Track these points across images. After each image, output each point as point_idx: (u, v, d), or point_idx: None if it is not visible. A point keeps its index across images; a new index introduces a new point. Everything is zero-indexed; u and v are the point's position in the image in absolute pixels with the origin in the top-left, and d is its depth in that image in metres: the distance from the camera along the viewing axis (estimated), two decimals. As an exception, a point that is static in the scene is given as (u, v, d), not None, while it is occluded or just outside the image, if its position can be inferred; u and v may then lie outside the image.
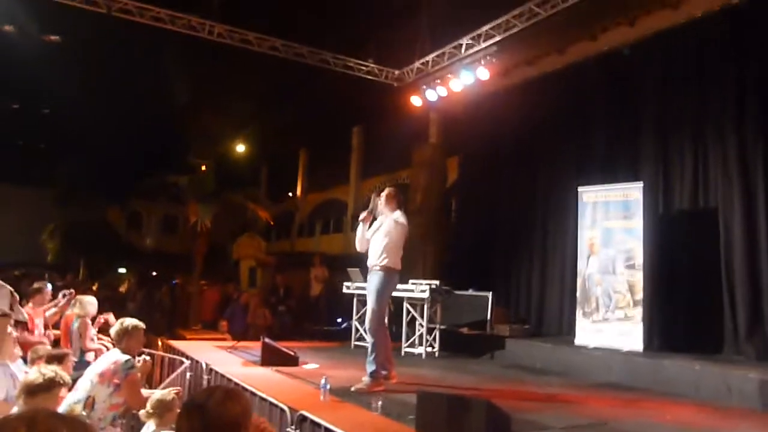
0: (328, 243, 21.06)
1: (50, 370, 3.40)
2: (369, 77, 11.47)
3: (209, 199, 13.23)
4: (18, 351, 4.92)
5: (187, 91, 13.87)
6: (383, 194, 6.02)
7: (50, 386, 3.29)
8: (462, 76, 9.96)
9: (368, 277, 5.95)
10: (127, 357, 4.23)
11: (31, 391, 3.25)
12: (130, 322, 4.49)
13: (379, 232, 5.90)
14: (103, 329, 6.94)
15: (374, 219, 6.02)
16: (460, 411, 3.93)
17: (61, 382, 3.38)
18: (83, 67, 14.00)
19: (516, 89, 10.10)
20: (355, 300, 8.77)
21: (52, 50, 13.10)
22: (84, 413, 3.69)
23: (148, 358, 4.74)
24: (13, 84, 14.47)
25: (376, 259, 5.82)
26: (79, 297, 7.07)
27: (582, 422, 4.60)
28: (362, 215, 6.05)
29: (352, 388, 5.37)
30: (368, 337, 5.80)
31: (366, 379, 5.53)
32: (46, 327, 6.56)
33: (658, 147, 7.99)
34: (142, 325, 4.56)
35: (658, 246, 7.61)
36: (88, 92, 15.56)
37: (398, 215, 5.84)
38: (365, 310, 8.64)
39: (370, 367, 5.58)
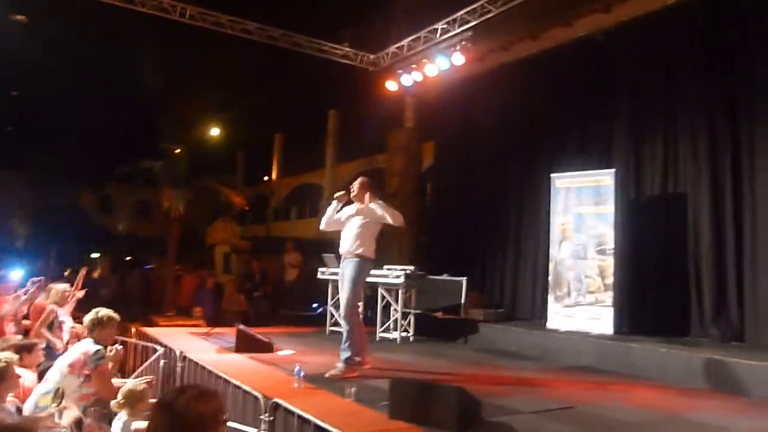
0: (304, 227, 20.99)
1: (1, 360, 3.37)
2: (344, 61, 11.39)
3: (183, 184, 13.07)
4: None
5: (160, 74, 13.63)
6: (356, 182, 6.04)
7: (2, 377, 3.26)
8: (437, 61, 9.95)
9: (341, 265, 5.97)
10: (98, 348, 4.20)
11: None
12: (105, 312, 4.44)
13: (354, 220, 5.92)
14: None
15: (347, 204, 6.03)
16: (432, 397, 3.98)
17: (11, 371, 3.34)
18: (52, 49, 13.67)
19: (491, 75, 10.12)
20: (330, 285, 8.78)
21: (18, 30, 12.77)
22: (54, 405, 3.65)
23: (120, 347, 4.71)
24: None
25: (350, 247, 5.83)
26: (51, 285, 7.01)
27: (551, 406, 4.69)
28: (338, 193, 6.06)
29: (327, 375, 5.40)
30: (343, 324, 5.83)
31: (340, 365, 5.57)
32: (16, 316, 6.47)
33: (630, 134, 8.09)
34: (117, 316, 4.52)
35: (629, 232, 7.74)
36: (58, 74, 15.23)
37: (375, 205, 5.85)
38: (340, 296, 8.72)
39: (345, 354, 5.62)
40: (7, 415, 2.93)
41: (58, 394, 3.77)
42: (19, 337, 5.83)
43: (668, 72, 7.76)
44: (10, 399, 3.51)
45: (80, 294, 7.04)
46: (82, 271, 7.33)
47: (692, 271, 7.21)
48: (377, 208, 5.85)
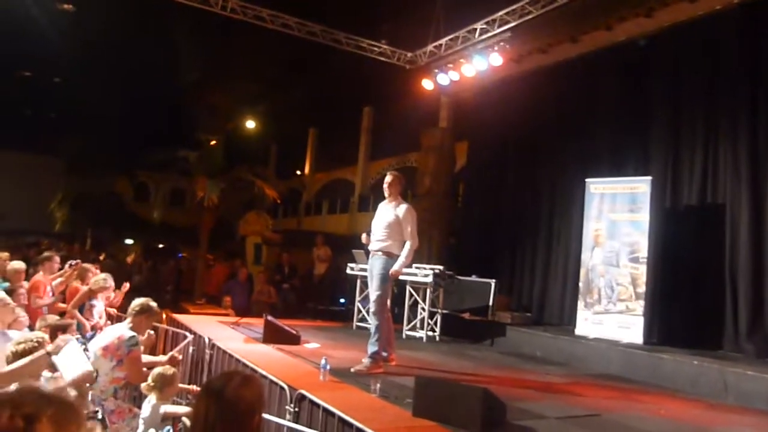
0: (335, 223, 21.12)
1: (32, 337, 3.45)
2: (381, 59, 11.42)
3: (217, 174, 13.26)
4: (24, 319, 5.01)
5: (200, 66, 13.85)
6: (389, 176, 6.04)
7: (33, 351, 3.34)
8: (475, 61, 9.89)
9: (370, 261, 5.99)
10: (132, 334, 4.29)
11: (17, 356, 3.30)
12: (153, 304, 4.52)
13: (384, 216, 5.93)
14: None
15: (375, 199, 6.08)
16: (456, 397, 3.98)
17: (42, 347, 3.42)
18: (96, 38, 13.99)
19: (528, 76, 10.03)
20: (358, 281, 8.82)
21: (65, 19, 13.10)
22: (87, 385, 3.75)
23: (152, 332, 4.82)
24: (24, 52, 14.47)
25: (379, 244, 5.86)
26: (84, 266, 7.21)
27: (576, 412, 4.65)
28: (364, 238, 6.07)
29: (352, 369, 5.43)
30: (371, 320, 5.86)
31: (366, 360, 5.59)
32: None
33: (668, 141, 7.94)
34: (159, 311, 4.62)
35: (663, 240, 7.60)
36: (101, 63, 15.58)
37: (404, 213, 5.85)
38: (368, 292, 8.75)
39: (372, 349, 5.64)
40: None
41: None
42: (56, 317, 6.00)
43: (710, 78, 7.59)
44: (47, 375, 3.60)
45: (124, 286, 7.22)
46: (125, 286, 7.35)
47: (728, 284, 7.03)
48: (406, 221, 5.82)
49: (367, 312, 8.79)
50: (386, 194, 6.01)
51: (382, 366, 5.64)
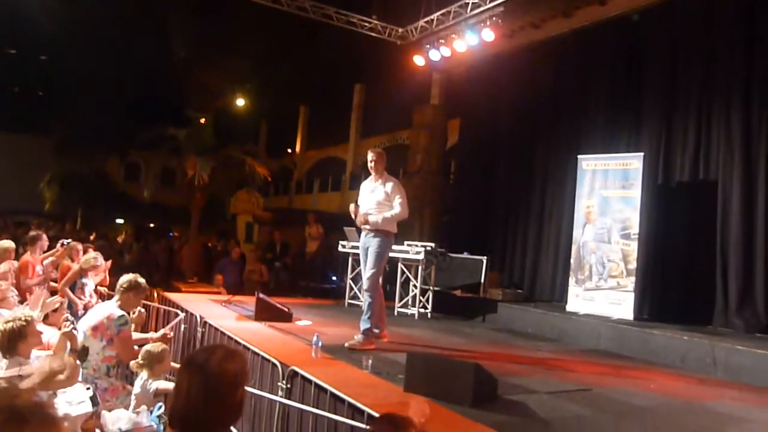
0: (326, 201, 21.08)
1: (20, 316, 3.44)
2: (372, 34, 11.28)
3: (208, 152, 13.15)
4: (14, 298, 4.98)
5: (188, 43, 13.65)
6: (372, 153, 6.01)
7: (23, 334, 3.34)
8: (466, 37, 9.79)
9: (363, 239, 5.97)
10: (122, 313, 4.25)
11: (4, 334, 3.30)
12: (140, 280, 4.47)
13: (374, 195, 5.90)
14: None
15: (365, 177, 6.04)
16: (448, 372, 3.99)
17: (32, 328, 3.41)
18: (84, 15, 13.75)
19: (520, 52, 9.95)
20: (350, 259, 8.81)
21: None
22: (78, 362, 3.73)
23: (143, 310, 4.79)
24: (10, 29, 14.20)
25: (373, 222, 5.83)
26: (73, 244, 7.17)
27: (568, 387, 4.68)
28: (352, 208, 6.02)
29: (346, 344, 5.45)
30: (364, 297, 5.87)
31: (358, 336, 5.61)
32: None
33: (661, 118, 7.92)
34: (147, 286, 4.58)
35: (655, 217, 7.62)
36: (88, 40, 15.33)
37: (393, 190, 5.85)
38: (359, 270, 8.74)
39: (364, 325, 5.67)
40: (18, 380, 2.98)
41: (83, 352, 3.84)
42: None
43: (703, 54, 7.54)
44: (37, 353, 3.58)
45: (108, 264, 7.16)
46: (108, 263, 7.26)
47: (719, 260, 7.06)
48: (394, 193, 5.81)
49: (359, 289, 8.81)
50: (372, 172, 5.99)
51: (373, 342, 5.65)
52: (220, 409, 1.90)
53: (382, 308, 5.96)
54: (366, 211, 5.90)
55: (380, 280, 6.06)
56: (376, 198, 5.87)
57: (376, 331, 5.78)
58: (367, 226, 5.88)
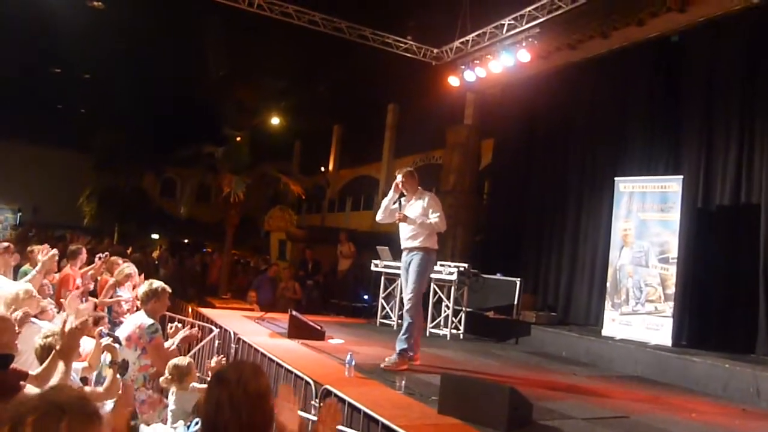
0: (358, 220, 21.11)
1: (58, 330, 3.51)
2: (407, 55, 11.36)
3: (243, 170, 13.33)
4: (53, 310, 5.09)
5: (226, 62, 13.93)
6: (399, 178, 5.93)
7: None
8: (502, 58, 9.78)
9: (405, 258, 5.91)
10: (152, 321, 4.32)
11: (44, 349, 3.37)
12: (158, 284, 4.55)
13: (412, 212, 5.85)
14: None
15: (400, 197, 5.96)
16: (482, 395, 3.94)
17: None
18: (124, 35, 14.17)
19: (556, 73, 9.90)
20: (382, 278, 8.81)
21: (94, 16, 13.28)
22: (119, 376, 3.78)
23: (196, 330, 4.86)
24: (55, 49, 14.71)
25: (413, 241, 5.80)
26: (113, 259, 7.32)
27: (604, 414, 4.58)
28: (397, 181, 5.94)
29: (382, 365, 5.40)
30: (405, 316, 5.79)
31: (393, 356, 5.54)
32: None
33: (701, 140, 7.77)
34: (168, 289, 4.64)
35: (694, 241, 7.45)
36: (129, 60, 15.77)
37: (430, 194, 5.86)
38: (392, 288, 8.73)
39: (400, 345, 5.59)
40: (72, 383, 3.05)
41: (123, 366, 3.90)
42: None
43: (744, 75, 7.41)
44: (78, 365, 3.65)
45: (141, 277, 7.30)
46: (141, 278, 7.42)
47: (761, 285, 6.85)
48: (430, 206, 5.78)
49: (391, 309, 8.79)
50: (405, 193, 5.95)
51: (407, 364, 5.60)
52: (250, 424, 1.92)
53: (420, 330, 5.89)
54: (405, 233, 5.85)
55: (421, 300, 5.95)
56: (414, 215, 5.82)
57: (411, 353, 5.71)
58: (408, 245, 5.83)
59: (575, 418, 4.35)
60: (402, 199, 5.99)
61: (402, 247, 5.96)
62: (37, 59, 16.46)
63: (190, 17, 12.49)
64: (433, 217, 5.76)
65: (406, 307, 5.78)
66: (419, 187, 5.99)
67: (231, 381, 1.94)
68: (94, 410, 1.38)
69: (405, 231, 5.89)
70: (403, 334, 5.63)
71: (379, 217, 6.13)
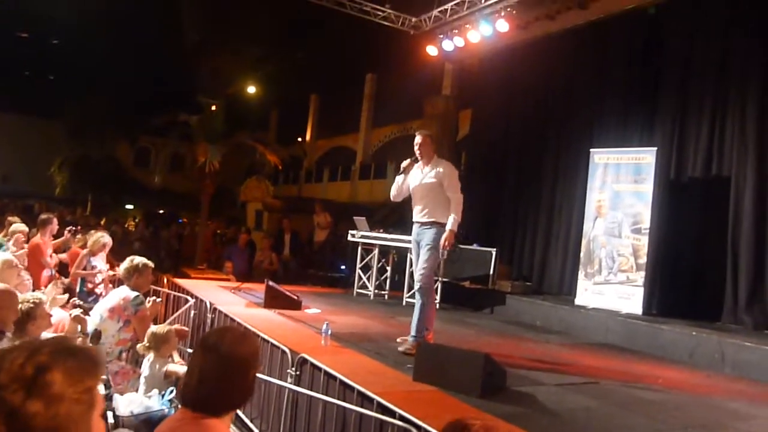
0: (336, 190, 21.07)
1: (29, 297, 3.51)
2: (385, 23, 11.22)
3: (218, 139, 13.16)
4: (29, 282, 5.05)
5: (200, 29, 13.65)
6: (417, 139, 5.47)
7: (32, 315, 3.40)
8: (481, 27, 9.73)
9: (417, 231, 5.46)
10: (137, 293, 4.32)
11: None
12: (140, 260, 4.54)
13: (424, 183, 5.41)
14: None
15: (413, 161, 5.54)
16: (457, 362, 4.00)
17: (41, 310, 3.48)
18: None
19: (534, 44, 9.87)
20: (359, 248, 8.83)
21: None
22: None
23: (159, 300, 4.84)
24: (21, 12, 14.24)
25: (427, 214, 5.36)
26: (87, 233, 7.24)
27: (575, 380, 4.69)
28: (405, 163, 5.57)
29: (400, 348, 5.01)
30: (417, 297, 5.35)
31: (411, 339, 5.14)
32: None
33: (675, 113, 7.85)
34: (151, 264, 4.63)
35: (666, 212, 7.57)
36: (100, 25, 15.36)
37: (445, 163, 5.44)
38: (368, 259, 8.76)
39: (416, 328, 5.19)
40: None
41: (95, 335, 3.89)
42: (67, 281, 6.10)
43: (720, 49, 7.47)
44: (46, 335, 3.63)
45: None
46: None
47: (729, 256, 7.02)
48: (445, 176, 5.34)
49: (368, 279, 8.83)
50: (419, 157, 5.45)
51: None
52: (232, 389, 1.94)
53: (432, 306, 5.46)
54: (419, 205, 5.44)
55: (433, 277, 5.57)
56: (427, 185, 5.36)
57: (426, 332, 5.29)
58: (420, 218, 5.43)
59: (547, 384, 4.45)
60: (414, 167, 5.54)
61: (414, 220, 5.52)
62: (5, 23, 15.92)
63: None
64: (452, 198, 5.32)
65: (418, 285, 5.34)
66: (434, 155, 5.50)
67: (214, 345, 1.95)
68: (100, 358, 1.41)
69: (417, 201, 5.47)
70: (418, 317, 5.22)
71: (392, 196, 5.73)
